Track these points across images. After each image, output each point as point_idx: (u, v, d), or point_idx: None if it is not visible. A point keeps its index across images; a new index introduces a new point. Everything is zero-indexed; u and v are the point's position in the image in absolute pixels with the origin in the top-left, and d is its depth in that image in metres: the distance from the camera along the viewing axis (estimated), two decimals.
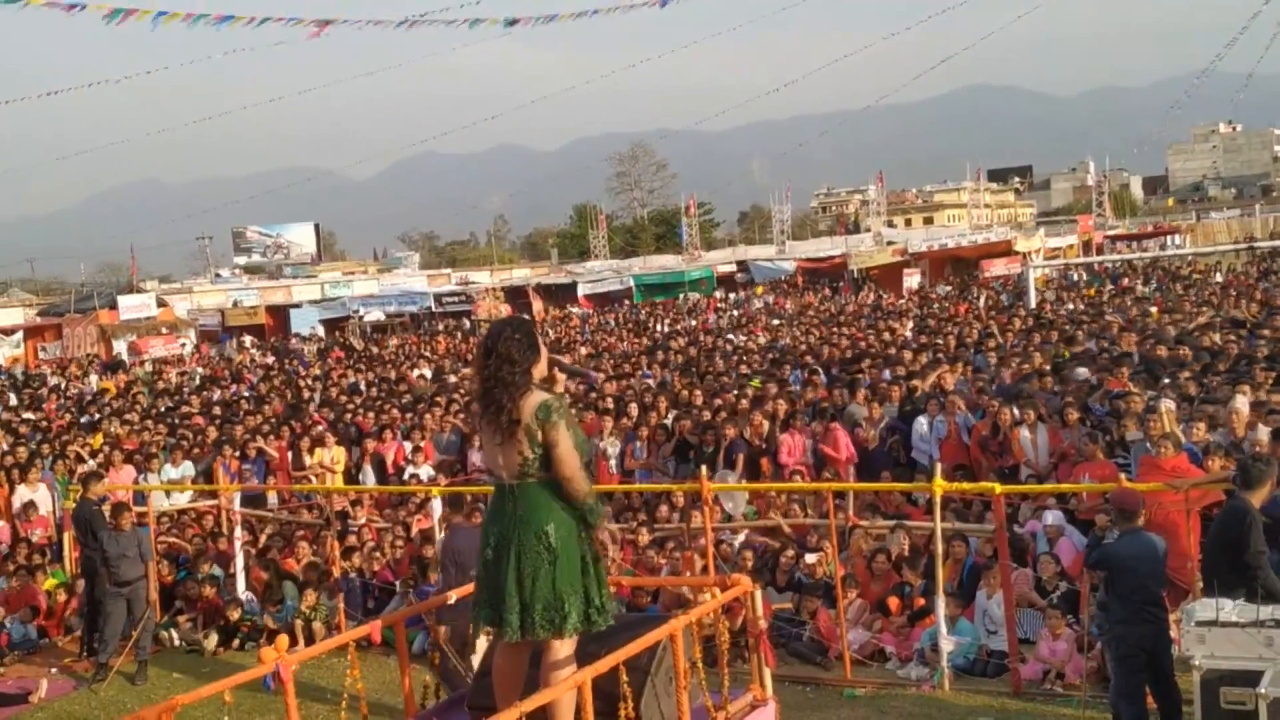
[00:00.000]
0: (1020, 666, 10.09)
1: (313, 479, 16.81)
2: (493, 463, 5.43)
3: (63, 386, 32.81)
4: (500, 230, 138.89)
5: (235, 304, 56.45)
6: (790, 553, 12.44)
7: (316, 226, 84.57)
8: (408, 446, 17.50)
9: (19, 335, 48.47)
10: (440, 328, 46.40)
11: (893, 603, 11.66)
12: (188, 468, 17.75)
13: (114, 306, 50.57)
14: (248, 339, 46.77)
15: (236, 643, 13.40)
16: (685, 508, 12.94)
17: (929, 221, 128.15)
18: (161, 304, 53.15)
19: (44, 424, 23.83)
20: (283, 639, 5.76)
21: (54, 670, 13.06)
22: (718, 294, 52.73)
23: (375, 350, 38.30)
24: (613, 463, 16.09)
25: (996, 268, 48.12)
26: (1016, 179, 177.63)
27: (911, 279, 48.29)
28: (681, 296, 52.52)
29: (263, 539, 15.21)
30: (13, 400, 29.63)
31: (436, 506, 12.62)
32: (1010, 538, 10.83)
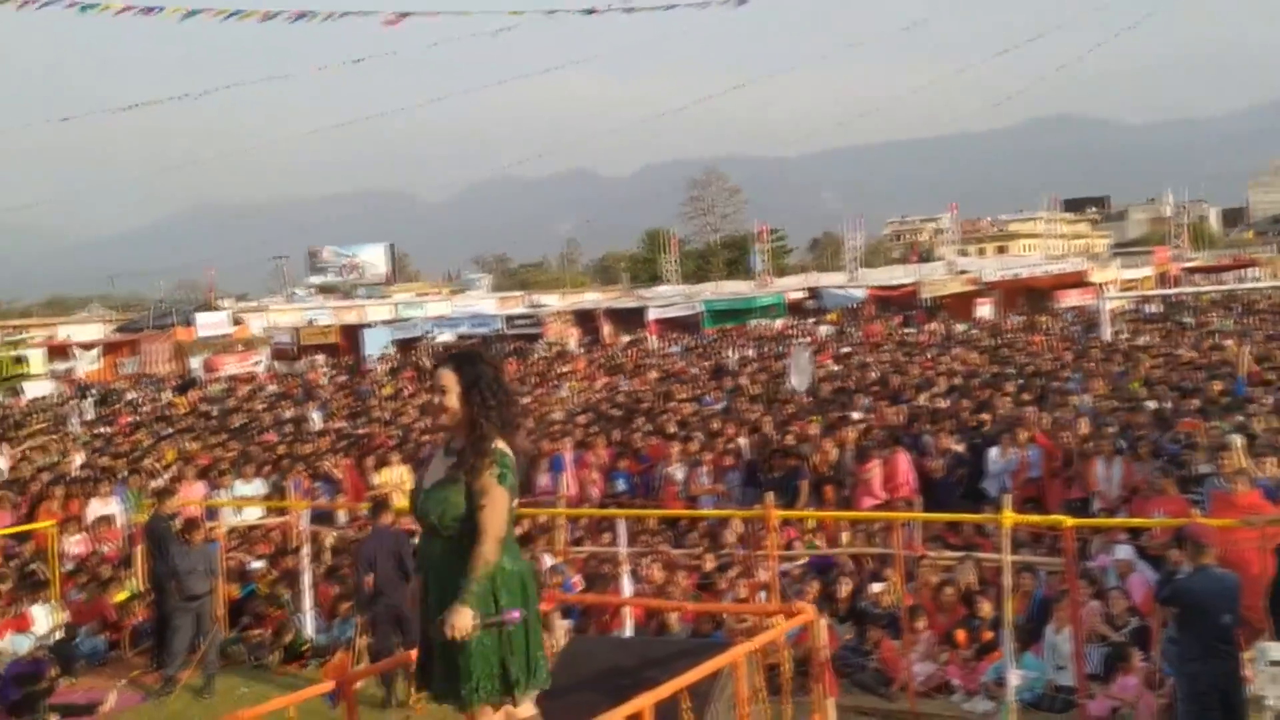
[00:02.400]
0: (1089, 703, 9.91)
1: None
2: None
3: (138, 402, 33.33)
4: (571, 254, 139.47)
5: (310, 323, 57.13)
6: (848, 582, 12.33)
7: (390, 247, 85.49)
8: None
9: (98, 350, 49.36)
10: (510, 350, 46.61)
11: (960, 635, 11.51)
12: (258, 484, 17.95)
13: (191, 324, 51.40)
14: (320, 358, 47.26)
15: (301, 659, 13.49)
16: (751, 534, 12.88)
17: (1002, 251, 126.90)
18: (237, 322, 53.96)
19: (117, 438, 24.22)
20: (344, 657, 5.80)
21: (123, 682, 13.19)
22: (785, 320, 52.51)
23: None
24: (679, 488, 16.05)
25: (1071, 298, 47.54)
26: (1092, 209, 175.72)
27: (983, 308, 47.85)
28: (751, 323, 52.35)
29: (328, 556, 15.31)
30: (89, 415, 30.15)
31: None
32: (1080, 572, 10.67)
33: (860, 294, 57.15)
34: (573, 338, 50.63)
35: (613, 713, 4.80)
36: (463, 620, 4.89)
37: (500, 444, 5.14)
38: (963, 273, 61.41)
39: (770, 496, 11.72)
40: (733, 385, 24.53)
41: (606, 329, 53.70)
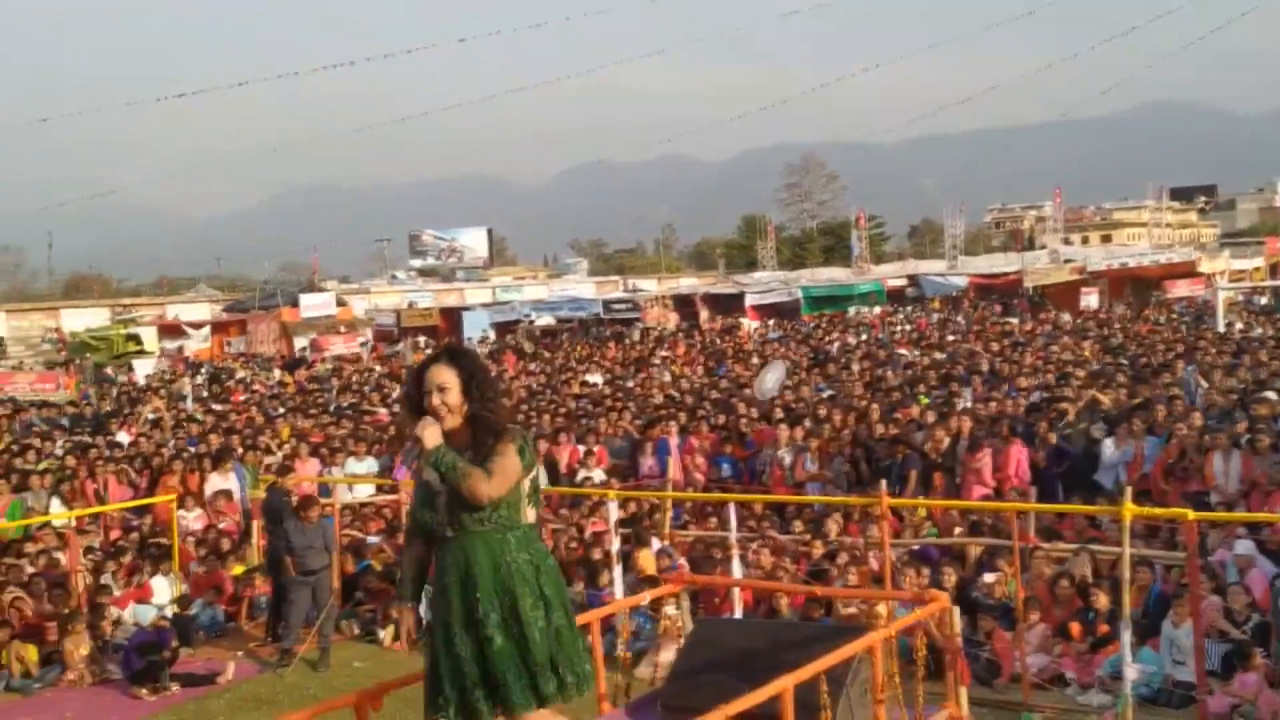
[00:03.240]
0: (1208, 699, 9.77)
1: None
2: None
3: (248, 380, 34.01)
4: (667, 239, 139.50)
5: (410, 305, 57.79)
6: (953, 573, 12.23)
7: (489, 232, 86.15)
8: (581, 450, 17.73)
9: (206, 330, 50.39)
10: (609, 334, 46.81)
11: (1074, 628, 11.39)
12: (370, 462, 18.27)
13: (295, 304, 52.25)
14: (422, 339, 47.82)
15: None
16: (861, 521, 12.86)
17: (1107, 240, 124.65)
18: (341, 303, 54.71)
19: (231, 415, 24.75)
20: None
21: (240, 654, 13.52)
22: (885, 308, 52.11)
23: (546, 354, 38.83)
24: (785, 473, 16.05)
25: (1179, 289, 46.60)
26: (1201, 198, 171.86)
27: (1089, 298, 47.07)
28: (851, 310, 52.04)
29: None
30: (203, 393, 30.84)
31: (612, 510, 12.72)
32: (1200, 566, 10.51)
33: (961, 282, 56.51)
34: (671, 322, 50.68)
35: (755, 694, 4.84)
36: (433, 431, 4.81)
37: (518, 427, 5.03)
38: (1068, 262, 60.43)
39: (883, 484, 11.68)
40: (837, 371, 24.45)
41: (704, 314, 53.69)
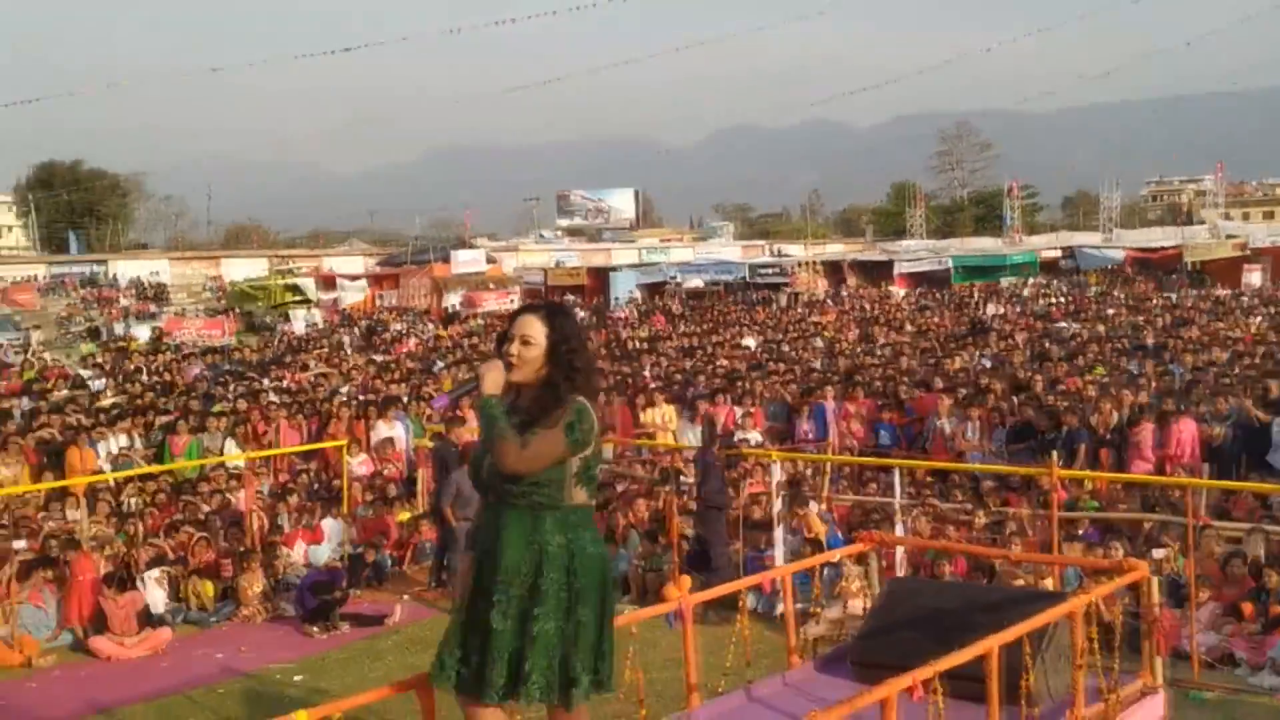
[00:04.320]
0: None
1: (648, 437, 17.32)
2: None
3: (404, 332, 34.77)
4: (814, 205, 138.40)
5: (558, 264, 58.41)
6: (1118, 546, 12.04)
7: (637, 193, 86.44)
8: (738, 411, 17.80)
9: (362, 283, 51.57)
10: (756, 299, 46.72)
11: (1246, 608, 11.14)
12: None
13: (447, 260, 53.15)
14: (569, 298, 48.31)
15: None
16: (1028, 492, 12.73)
17: (1269, 216, 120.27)
18: (491, 260, 55.51)
19: (392, 366, 25.35)
20: (686, 579, 6.04)
21: (406, 597, 13.89)
22: (1039, 279, 51.12)
23: (696, 316, 38.94)
24: (947, 441, 15.94)
25: None
26: None
27: (1252, 275, 45.62)
28: (1004, 280, 51.17)
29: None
30: (360, 344, 31.62)
31: (775, 472, 12.77)
32: None
33: (1119, 255, 55.22)
34: (820, 288, 50.41)
35: (960, 652, 4.86)
36: (495, 377, 4.54)
37: (583, 400, 4.60)
38: (1230, 237, 58.57)
39: (1054, 456, 11.54)
40: (998, 342, 24.14)
41: (851, 281, 53.28)
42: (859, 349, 25.63)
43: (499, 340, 4.81)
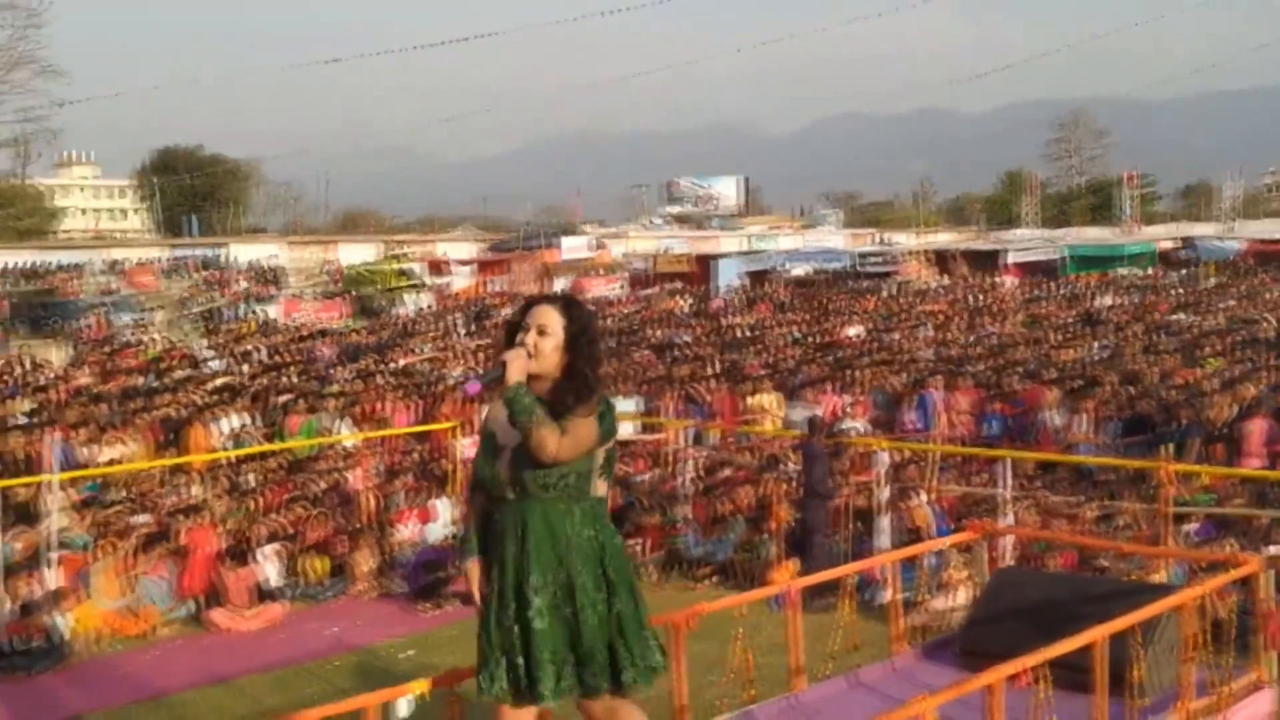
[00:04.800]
0: None
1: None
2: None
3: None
4: (924, 193, 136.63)
5: (665, 251, 58.45)
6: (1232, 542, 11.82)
7: (744, 180, 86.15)
8: (844, 399, 17.77)
9: (472, 268, 52.09)
10: (865, 287, 46.35)
11: None
12: (635, 401, 18.73)
13: (555, 246, 53.48)
14: (677, 285, 48.36)
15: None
16: (1139, 486, 12.55)
17: None
18: (599, 246, 55.73)
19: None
20: (792, 564, 6.11)
21: None
22: (1156, 269, 50.04)
23: (801, 304, 38.76)
24: (1056, 434, 15.77)
25: None
26: None
27: None
28: (1123, 270, 50.17)
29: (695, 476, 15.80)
30: (472, 327, 32.02)
31: (883, 461, 12.75)
32: None
33: (1238, 246, 53.85)
34: (928, 277, 49.87)
35: (1066, 642, 4.86)
36: (521, 365, 4.47)
37: (605, 394, 4.60)
38: None
39: (1167, 450, 11.39)
40: (1112, 334, 23.76)
41: (962, 270, 52.63)
42: (967, 339, 25.38)
43: (510, 330, 4.73)
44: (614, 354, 24.00)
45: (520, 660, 4.49)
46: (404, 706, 4.87)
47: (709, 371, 20.27)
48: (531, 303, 4.75)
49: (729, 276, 51.77)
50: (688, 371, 20.36)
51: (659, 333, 29.20)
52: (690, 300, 40.58)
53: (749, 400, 18.06)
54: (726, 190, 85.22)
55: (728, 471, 15.71)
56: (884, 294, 41.08)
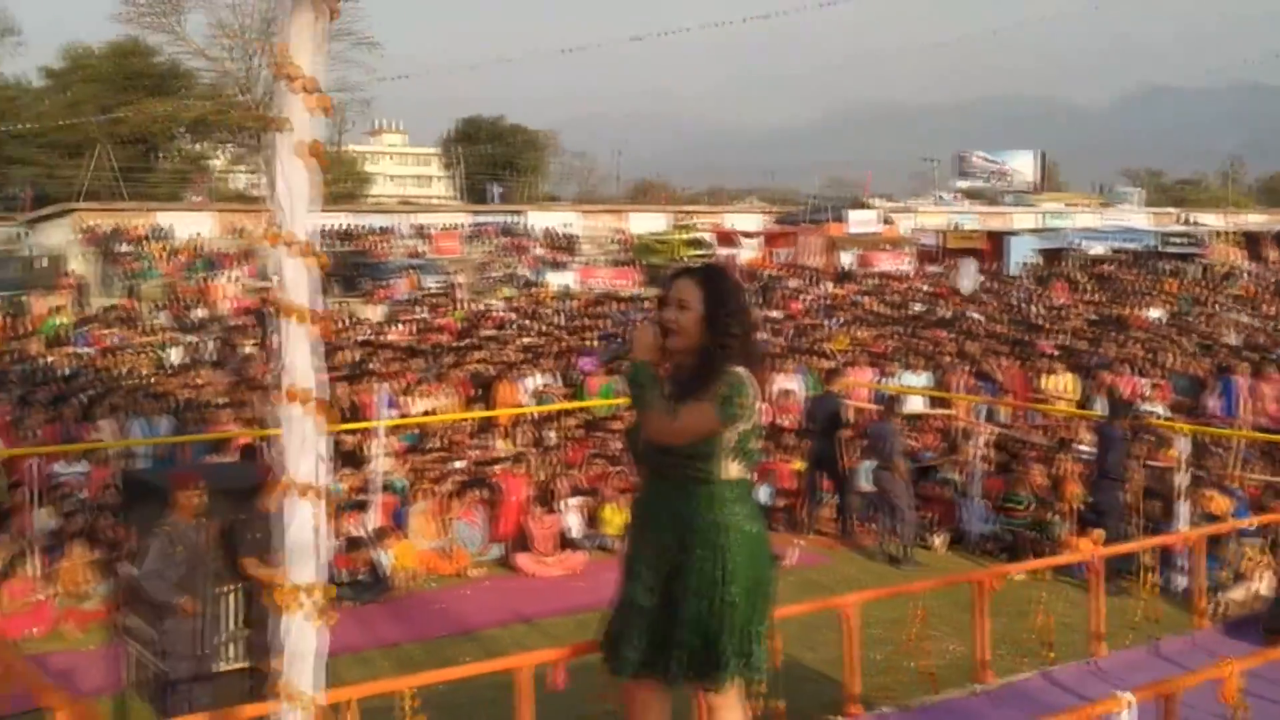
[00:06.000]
0: None
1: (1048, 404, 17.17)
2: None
3: (799, 290, 35.40)
4: (1235, 172, 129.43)
5: (955, 226, 57.45)
6: None
7: (1040, 155, 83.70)
8: (1144, 383, 17.38)
9: (759, 239, 52.51)
10: (1167, 269, 44.54)
11: None
12: (924, 376, 18.78)
13: (842, 220, 53.30)
14: (972, 262, 47.55)
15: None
16: None
17: None
18: (887, 221, 55.25)
19: (786, 323, 26.02)
20: (1098, 533, 6.27)
21: (800, 542, 14.43)
22: None
23: (1099, 286, 37.64)
24: None
25: None
26: None
27: None
28: None
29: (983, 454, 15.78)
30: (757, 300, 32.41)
31: (1183, 446, 12.50)
32: None
33: None
34: (1238, 260, 47.47)
35: None
36: (649, 344, 4.33)
37: (740, 372, 4.30)
38: None
39: None
40: None
41: (1273, 254, 49.86)
42: (1277, 325, 24.28)
43: (659, 304, 4.53)
44: (904, 329, 24.06)
45: (656, 640, 4.36)
46: None
47: (1001, 349, 20.10)
48: (675, 275, 4.53)
49: (1022, 254, 50.54)
50: (979, 348, 20.23)
51: (949, 309, 28.97)
52: (983, 277, 39.89)
53: (1043, 380, 17.86)
54: (1021, 165, 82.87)
55: (1020, 449, 15.65)
56: (1188, 277, 39.44)
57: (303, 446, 2.48)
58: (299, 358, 2.50)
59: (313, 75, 2.51)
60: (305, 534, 2.51)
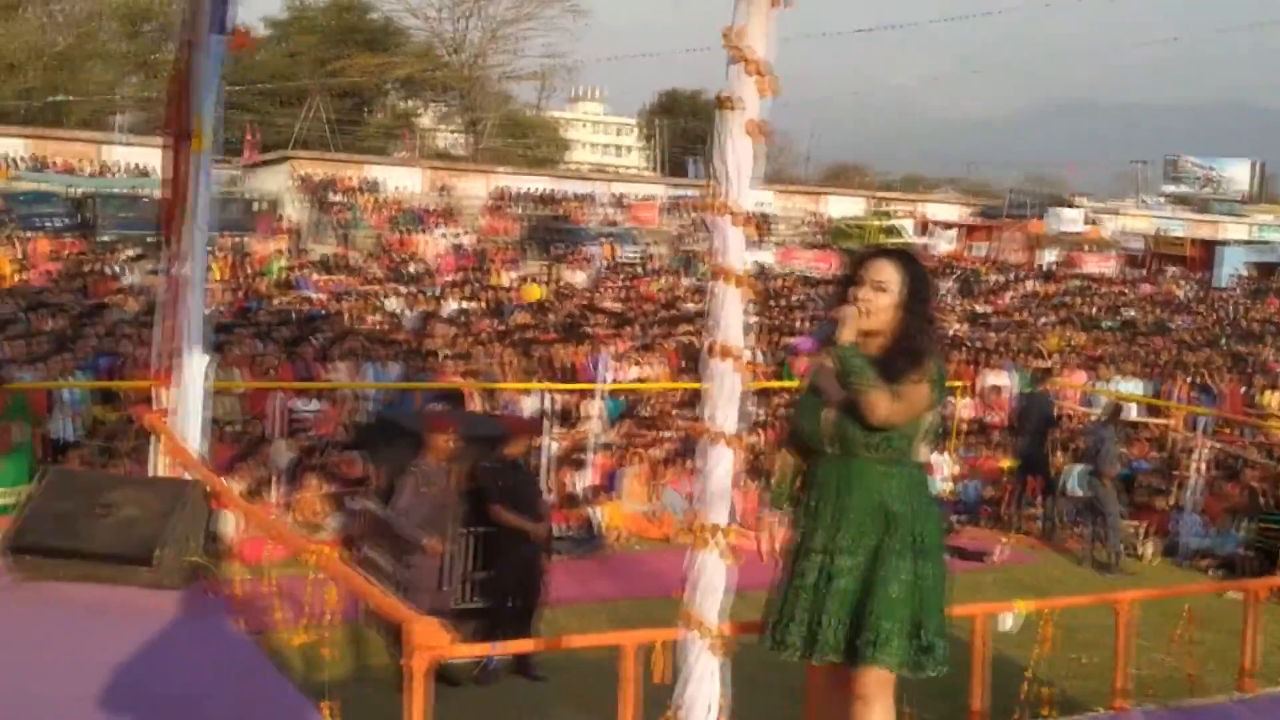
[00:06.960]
0: None
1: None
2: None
3: (1002, 286, 34.88)
4: None
5: (1162, 232, 55.79)
6: None
7: (1260, 166, 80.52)
8: None
9: (956, 231, 51.74)
10: None
11: None
12: (1139, 384, 18.44)
13: (1043, 217, 52.22)
14: (1172, 269, 46.26)
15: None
16: None
17: None
18: (1090, 222, 53.95)
19: (994, 318, 25.71)
20: None
21: (1006, 540, 14.31)
22: None
23: None
24: None
25: None
26: None
27: None
28: None
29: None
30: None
31: None
32: None
33: None
34: None
35: None
36: (854, 325, 4.27)
37: (939, 356, 4.35)
38: None
39: None
40: None
41: None
42: None
43: (843, 283, 4.46)
44: (1120, 333, 23.62)
45: (821, 619, 4.26)
46: (1009, 620, 5.40)
47: (1221, 361, 19.61)
48: (867, 255, 4.49)
49: (1234, 265, 48.92)
50: (1201, 359, 19.76)
51: (1155, 316, 28.30)
52: (1193, 286, 38.80)
53: (1263, 396, 17.39)
54: (1235, 173, 79.85)
55: (1242, 466, 15.28)
56: None
57: (729, 399, 2.68)
58: (730, 318, 2.69)
59: (765, 59, 2.71)
60: (723, 479, 2.71)
